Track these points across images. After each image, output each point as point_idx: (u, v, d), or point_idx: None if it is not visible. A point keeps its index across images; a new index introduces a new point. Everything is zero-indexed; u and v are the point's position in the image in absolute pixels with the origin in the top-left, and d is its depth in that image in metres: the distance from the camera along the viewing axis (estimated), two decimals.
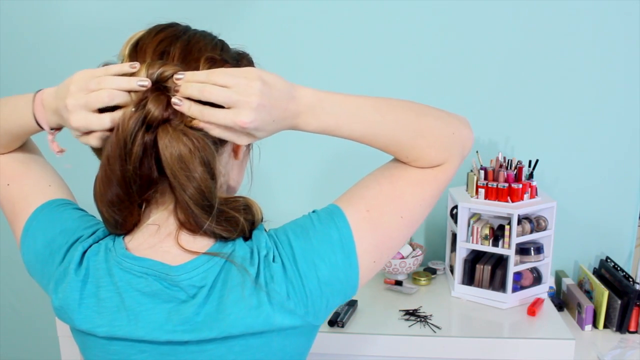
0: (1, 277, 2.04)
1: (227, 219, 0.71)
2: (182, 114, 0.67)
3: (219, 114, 0.65)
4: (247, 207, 0.73)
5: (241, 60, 0.76)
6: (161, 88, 0.67)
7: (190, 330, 0.68)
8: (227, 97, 0.65)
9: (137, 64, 0.67)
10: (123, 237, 0.74)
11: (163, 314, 0.69)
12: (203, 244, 0.72)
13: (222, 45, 0.75)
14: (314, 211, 0.76)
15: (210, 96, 0.65)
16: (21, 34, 1.81)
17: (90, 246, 0.74)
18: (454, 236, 1.63)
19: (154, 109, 0.65)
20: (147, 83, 0.66)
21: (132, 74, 0.67)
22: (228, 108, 0.65)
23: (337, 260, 0.71)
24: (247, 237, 0.73)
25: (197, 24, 0.77)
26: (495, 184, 1.53)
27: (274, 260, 0.70)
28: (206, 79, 0.65)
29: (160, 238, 0.72)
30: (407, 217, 0.76)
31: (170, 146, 0.65)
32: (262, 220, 0.76)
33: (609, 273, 1.67)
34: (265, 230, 0.76)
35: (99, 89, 0.65)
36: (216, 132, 0.67)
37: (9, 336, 2.13)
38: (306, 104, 0.69)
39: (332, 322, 1.42)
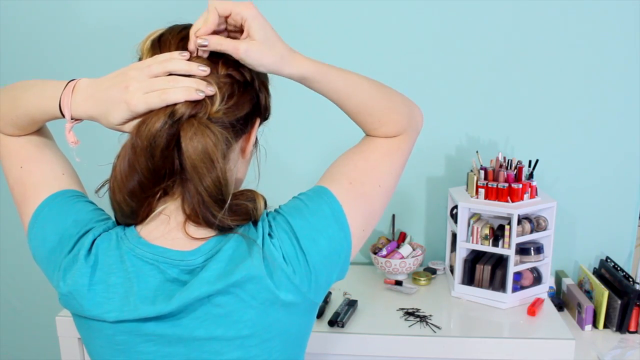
0: (1, 277, 2.04)
1: (236, 211, 0.73)
2: (206, 108, 0.70)
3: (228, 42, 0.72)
4: (253, 199, 0.76)
5: None
6: None
7: (196, 286, 0.70)
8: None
9: (186, 53, 0.72)
10: (134, 227, 0.76)
11: (173, 292, 0.71)
12: (207, 233, 0.75)
13: None
14: (299, 195, 0.80)
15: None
16: (35, 36, 1.81)
17: (100, 235, 0.76)
18: (454, 236, 1.63)
19: (180, 106, 0.69)
20: (207, 69, 0.71)
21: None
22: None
23: (334, 233, 0.76)
24: (254, 225, 0.77)
25: None
26: (495, 184, 1.53)
27: (277, 239, 0.74)
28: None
29: (170, 227, 0.75)
30: (384, 186, 0.84)
31: (195, 139, 0.68)
32: (265, 207, 0.79)
33: (609, 273, 1.67)
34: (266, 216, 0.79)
35: (164, 73, 0.70)
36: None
37: (9, 336, 2.13)
38: (291, 49, 0.77)
39: (332, 322, 1.42)
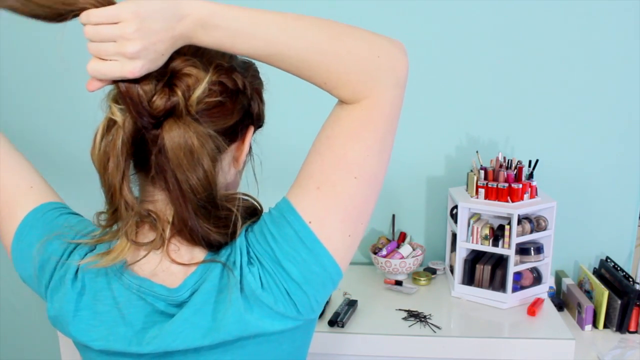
0: (1, 277, 2.04)
1: (222, 217, 0.70)
2: (186, 103, 0.66)
3: (105, 67, 0.62)
4: (246, 206, 0.74)
5: (248, 69, 0.76)
6: (167, 82, 0.66)
7: (186, 340, 0.68)
8: (104, 50, 0.61)
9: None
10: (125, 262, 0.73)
11: (160, 328, 0.69)
12: (198, 253, 0.72)
13: (230, 54, 0.74)
14: (269, 210, 0.74)
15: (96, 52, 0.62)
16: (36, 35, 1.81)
17: (86, 254, 0.74)
18: (454, 236, 1.63)
19: (158, 100, 0.65)
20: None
21: None
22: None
23: (303, 257, 0.68)
24: (234, 236, 0.72)
25: None
26: (495, 184, 1.53)
27: (256, 265, 0.70)
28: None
29: (156, 260, 0.72)
30: (362, 175, 0.69)
31: (177, 136, 0.65)
32: (262, 211, 0.76)
33: (609, 273, 1.67)
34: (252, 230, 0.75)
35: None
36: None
37: (9, 336, 2.13)
38: (196, 19, 0.62)
39: (332, 322, 1.42)
